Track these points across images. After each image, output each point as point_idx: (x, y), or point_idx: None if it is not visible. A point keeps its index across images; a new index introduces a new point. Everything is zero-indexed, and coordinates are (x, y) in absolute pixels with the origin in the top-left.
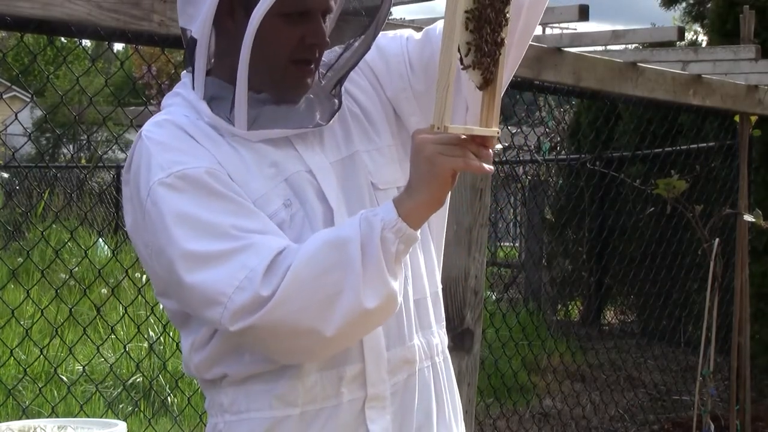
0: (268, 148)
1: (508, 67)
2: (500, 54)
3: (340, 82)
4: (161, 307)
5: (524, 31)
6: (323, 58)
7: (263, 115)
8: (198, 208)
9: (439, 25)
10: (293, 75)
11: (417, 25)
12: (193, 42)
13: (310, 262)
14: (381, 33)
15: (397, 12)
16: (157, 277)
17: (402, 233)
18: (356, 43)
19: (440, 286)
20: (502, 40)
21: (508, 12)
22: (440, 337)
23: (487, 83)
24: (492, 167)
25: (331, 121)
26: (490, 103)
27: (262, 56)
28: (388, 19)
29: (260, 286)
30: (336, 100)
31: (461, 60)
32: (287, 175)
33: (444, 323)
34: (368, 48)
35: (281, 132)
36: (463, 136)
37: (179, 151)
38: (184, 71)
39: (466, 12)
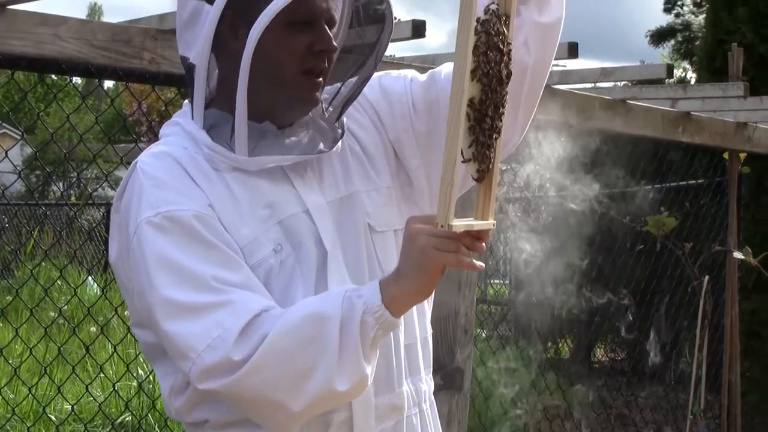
0: (265, 184)
1: (518, 129)
2: (496, 144)
3: (343, 110)
4: None
5: (530, 92)
6: (324, 94)
7: (264, 144)
8: (180, 253)
9: (444, 68)
10: (304, 87)
11: (407, 63)
12: (192, 68)
13: (288, 334)
14: (384, 73)
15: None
16: (135, 310)
17: (383, 320)
18: (357, 75)
19: (430, 331)
20: (499, 129)
21: (505, 100)
22: (428, 384)
23: (483, 175)
24: (482, 264)
25: (333, 150)
26: (486, 194)
27: (270, 73)
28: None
29: (232, 349)
30: (339, 129)
31: (461, 152)
32: (282, 218)
33: (431, 369)
34: (370, 75)
35: (282, 159)
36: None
37: (171, 190)
38: (186, 100)
39: (469, 106)
